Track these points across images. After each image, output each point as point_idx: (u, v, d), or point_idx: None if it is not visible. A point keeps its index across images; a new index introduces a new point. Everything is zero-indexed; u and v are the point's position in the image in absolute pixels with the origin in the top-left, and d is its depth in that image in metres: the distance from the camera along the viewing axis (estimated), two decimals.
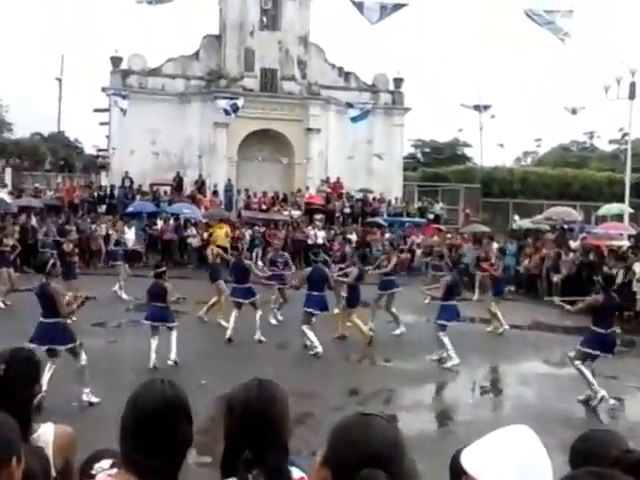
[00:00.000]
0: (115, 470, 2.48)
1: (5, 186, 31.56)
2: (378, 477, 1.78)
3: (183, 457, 2.38)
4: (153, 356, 11.46)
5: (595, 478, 1.74)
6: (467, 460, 2.06)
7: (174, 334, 11.80)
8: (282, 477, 2.31)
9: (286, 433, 2.40)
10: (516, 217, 35.67)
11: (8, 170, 34.25)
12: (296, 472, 2.38)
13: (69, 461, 3.07)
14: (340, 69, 37.95)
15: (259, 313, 14.19)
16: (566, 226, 27.77)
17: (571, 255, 22.00)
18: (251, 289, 14.46)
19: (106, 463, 2.61)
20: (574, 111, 33.18)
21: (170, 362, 11.59)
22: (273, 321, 15.95)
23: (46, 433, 3.04)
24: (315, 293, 13.53)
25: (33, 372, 3.10)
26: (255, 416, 2.32)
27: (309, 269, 14.43)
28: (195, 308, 15.81)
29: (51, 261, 10.31)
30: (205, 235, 26.49)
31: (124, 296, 18.72)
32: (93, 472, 2.57)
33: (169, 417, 2.32)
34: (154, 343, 11.58)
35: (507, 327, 16.16)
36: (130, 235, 26.21)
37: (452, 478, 2.67)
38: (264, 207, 32.44)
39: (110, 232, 26.71)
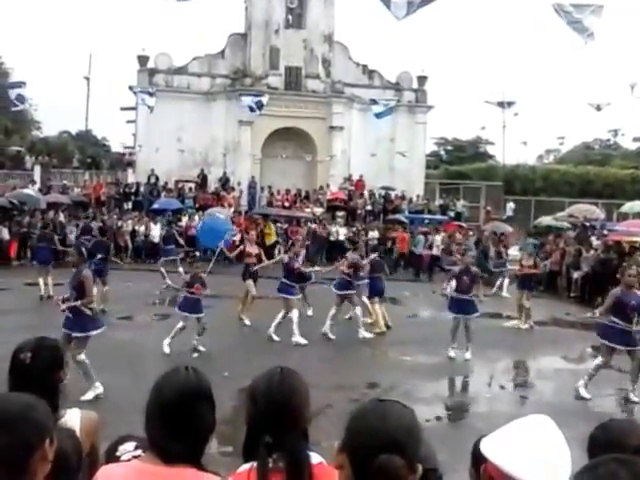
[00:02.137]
0: (139, 452, 2.63)
1: (34, 183, 31.95)
2: (395, 462, 1.82)
3: (206, 442, 2.49)
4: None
5: (619, 465, 1.72)
6: (487, 447, 2.15)
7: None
8: (300, 461, 2.37)
9: (305, 420, 2.50)
10: (511, 204, 35.66)
11: (37, 167, 34.61)
12: (315, 457, 2.44)
13: (95, 445, 3.19)
14: (364, 67, 37.92)
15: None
16: (587, 224, 27.74)
17: (592, 252, 21.98)
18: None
19: (130, 445, 2.75)
20: (599, 108, 32.97)
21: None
22: (310, 312, 15.95)
23: (72, 418, 3.17)
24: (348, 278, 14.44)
25: (58, 359, 3.18)
26: (276, 403, 2.41)
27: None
28: (217, 302, 15.98)
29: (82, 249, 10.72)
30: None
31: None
32: (118, 454, 2.71)
33: (193, 403, 2.42)
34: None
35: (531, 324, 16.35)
36: (155, 231, 26.67)
37: (473, 465, 2.76)
38: (287, 204, 32.64)
39: (136, 228, 27.26)
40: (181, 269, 19.24)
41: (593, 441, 2.65)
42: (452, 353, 12.95)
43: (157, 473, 2.37)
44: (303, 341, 13.48)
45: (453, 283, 13.33)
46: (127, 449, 2.72)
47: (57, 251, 19.20)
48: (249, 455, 2.43)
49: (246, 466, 2.40)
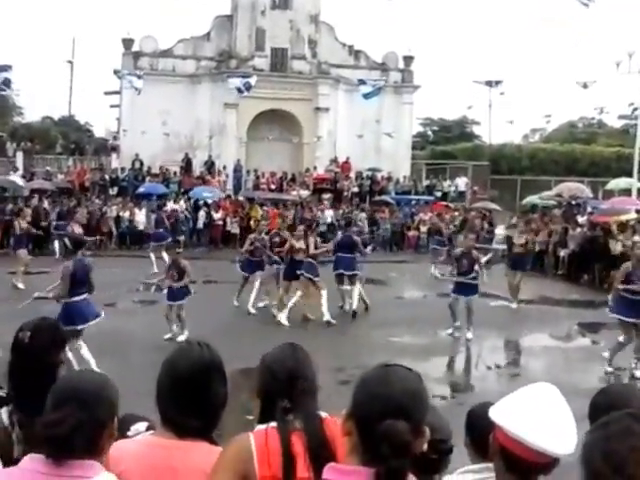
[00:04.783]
0: (151, 432, 2.66)
1: (17, 170, 31.52)
2: (399, 427, 1.82)
3: (219, 417, 2.55)
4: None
5: (633, 420, 1.76)
6: (497, 414, 2.21)
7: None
8: (314, 417, 2.49)
9: (315, 385, 2.64)
10: (464, 179, 35.71)
11: (19, 154, 34.14)
12: (323, 414, 2.55)
13: None
14: (350, 47, 37.68)
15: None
16: (573, 202, 27.78)
17: (578, 230, 22.04)
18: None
19: (142, 426, 2.79)
20: (585, 86, 32.84)
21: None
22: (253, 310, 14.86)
23: None
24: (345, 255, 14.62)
25: (58, 340, 3.21)
26: (292, 371, 2.56)
27: (339, 236, 15.63)
28: (204, 287, 15.85)
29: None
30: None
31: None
32: (130, 434, 2.72)
33: (207, 378, 2.49)
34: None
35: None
36: (140, 217, 26.50)
37: (468, 433, 2.88)
38: (273, 187, 32.52)
39: (121, 214, 27.04)
40: (165, 254, 19.16)
41: (595, 407, 2.67)
42: (456, 333, 12.90)
43: (170, 446, 2.43)
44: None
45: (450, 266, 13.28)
46: (139, 429, 2.75)
47: (34, 238, 19.00)
48: (265, 421, 2.49)
49: (261, 426, 2.46)
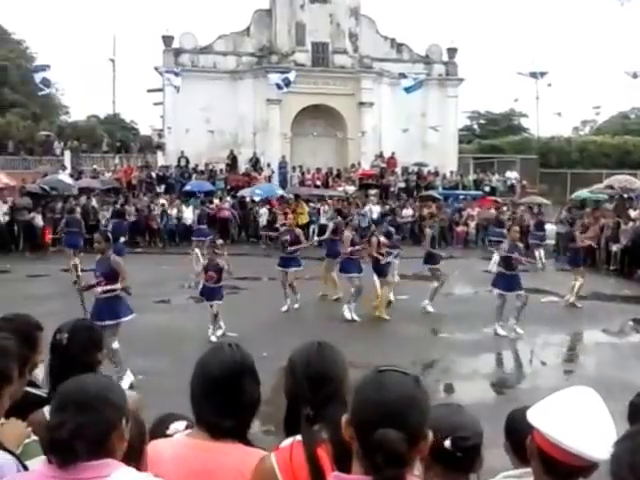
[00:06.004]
0: (189, 431, 2.65)
1: (65, 168, 31.92)
2: (390, 437, 1.76)
3: (252, 416, 2.57)
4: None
5: None
6: (535, 417, 2.19)
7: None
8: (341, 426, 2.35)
9: (344, 389, 2.45)
10: (514, 173, 35.16)
11: (67, 152, 34.56)
12: None
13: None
14: (392, 41, 37.50)
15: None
16: (625, 195, 27.21)
17: (630, 224, 21.56)
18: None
19: (181, 425, 2.77)
20: (635, 75, 32.14)
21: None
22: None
23: None
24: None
25: (95, 341, 3.26)
26: (315, 374, 2.43)
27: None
28: (251, 284, 15.79)
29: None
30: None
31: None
32: (169, 432, 2.72)
33: (238, 379, 2.49)
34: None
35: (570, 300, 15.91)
36: (188, 214, 26.68)
37: (507, 437, 2.81)
38: (318, 183, 32.43)
39: (168, 211, 27.26)
40: (197, 251, 19.21)
41: (633, 408, 2.66)
42: (500, 330, 12.69)
43: (205, 448, 2.45)
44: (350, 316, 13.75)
45: (497, 258, 13.01)
46: (178, 428, 2.74)
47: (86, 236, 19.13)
48: (290, 429, 2.44)
49: (288, 440, 2.40)
